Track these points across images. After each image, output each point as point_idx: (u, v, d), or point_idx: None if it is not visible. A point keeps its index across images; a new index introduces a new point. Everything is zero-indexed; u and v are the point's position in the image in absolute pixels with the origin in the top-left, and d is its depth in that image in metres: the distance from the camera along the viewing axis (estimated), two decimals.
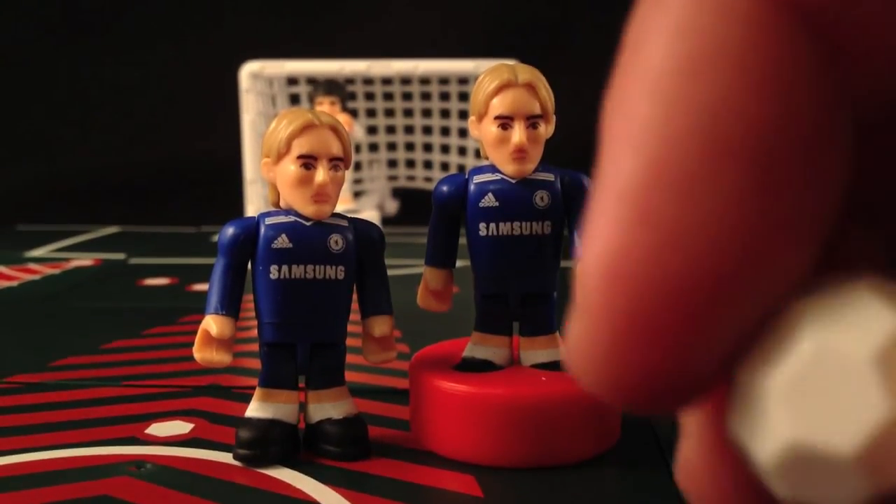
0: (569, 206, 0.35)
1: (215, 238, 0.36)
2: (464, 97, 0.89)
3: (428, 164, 0.97)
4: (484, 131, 0.34)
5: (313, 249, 0.33)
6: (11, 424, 0.38)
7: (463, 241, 0.36)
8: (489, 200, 0.35)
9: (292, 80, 0.89)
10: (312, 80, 0.87)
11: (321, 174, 0.32)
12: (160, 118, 1.11)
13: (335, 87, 0.83)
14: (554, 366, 0.35)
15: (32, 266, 0.78)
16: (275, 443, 0.33)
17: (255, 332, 0.34)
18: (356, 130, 0.89)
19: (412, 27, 1.04)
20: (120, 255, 0.84)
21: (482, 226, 0.35)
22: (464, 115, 0.89)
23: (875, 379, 0.09)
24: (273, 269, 0.33)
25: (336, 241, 0.33)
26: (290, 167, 0.32)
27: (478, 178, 0.35)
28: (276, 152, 0.33)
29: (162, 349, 0.50)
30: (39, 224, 1.04)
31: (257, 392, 0.34)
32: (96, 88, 1.12)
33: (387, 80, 0.93)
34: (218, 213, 0.67)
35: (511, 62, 0.36)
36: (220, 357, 0.32)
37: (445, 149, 0.95)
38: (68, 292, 0.67)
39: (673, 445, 0.35)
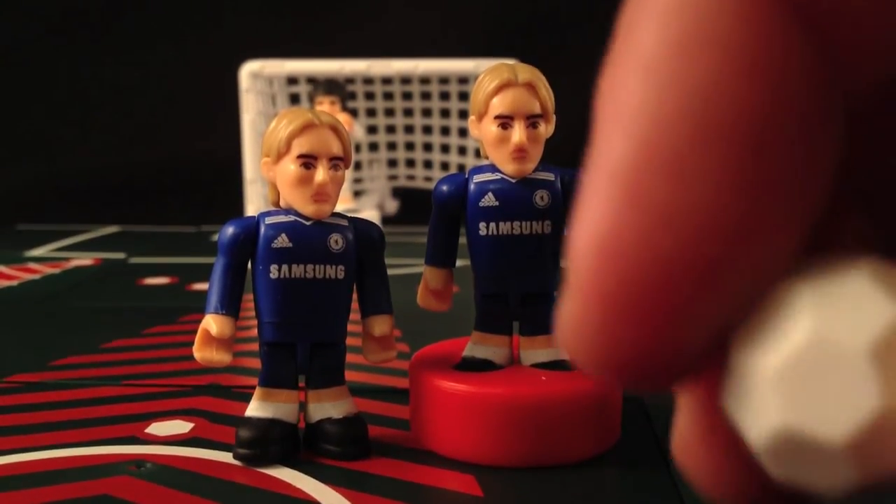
0: (569, 206, 0.35)
1: (215, 237, 0.36)
2: (464, 97, 0.89)
3: (428, 164, 0.97)
4: (484, 131, 0.34)
5: (313, 249, 0.33)
6: (11, 424, 0.38)
7: (463, 240, 0.36)
8: (489, 200, 0.35)
9: (292, 80, 0.89)
10: (312, 80, 0.87)
11: (321, 174, 0.32)
12: (160, 118, 1.11)
13: (335, 87, 0.83)
14: (554, 365, 0.35)
15: (32, 265, 0.78)
16: (275, 442, 0.33)
17: (255, 332, 0.34)
18: (356, 130, 0.89)
19: (412, 27, 1.04)
20: (120, 255, 0.84)
21: (482, 225, 0.35)
22: (464, 114, 0.89)
23: (869, 370, 0.09)
24: (273, 268, 0.33)
25: (336, 241, 0.33)
26: (290, 166, 0.32)
27: (478, 178, 0.35)
28: (276, 152, 0.33)
29: (162, 348, 0.50)
30: (39, 224, 1.04)
31: (257, 391, 0.34)
32: (96, 88, 1.12)
33: (387, 80, 0.93)
34: (218, 213, 0.67)
35: (511, 62, 0.36)
36: (220, 356, 0.32)
37: (445, 148, 0.95)
38: (68, 292, 0.67)
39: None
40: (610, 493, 0.32)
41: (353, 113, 0.92)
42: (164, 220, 1.04)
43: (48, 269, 0.76)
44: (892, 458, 0.09)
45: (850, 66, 0.10)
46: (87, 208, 1.06)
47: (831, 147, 0.10)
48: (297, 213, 0.33)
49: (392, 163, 0.99)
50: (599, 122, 0.10)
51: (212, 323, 0.32)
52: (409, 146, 0.97)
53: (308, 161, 0.32)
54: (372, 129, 0.97)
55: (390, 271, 0.35)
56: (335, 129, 0.33)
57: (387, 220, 0.89)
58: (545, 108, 0.34)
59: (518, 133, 0.34)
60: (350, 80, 0.89)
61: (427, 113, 0.94)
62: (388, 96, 0.95)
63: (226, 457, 0.34)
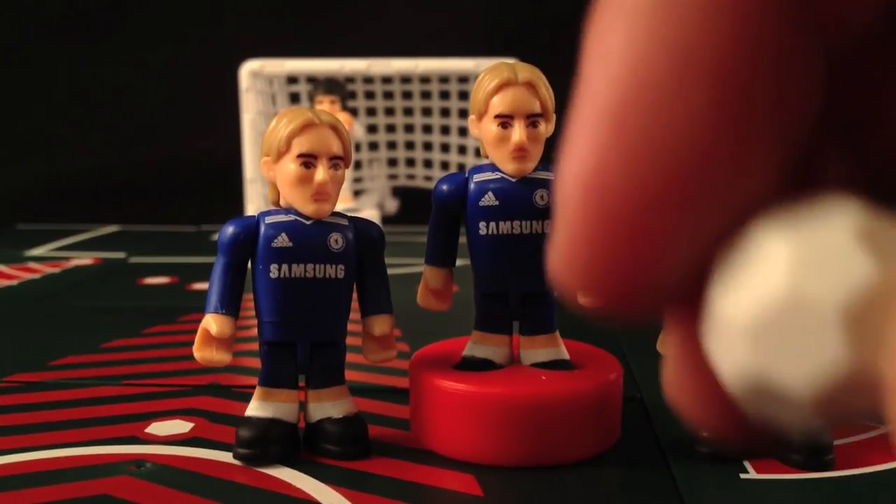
0: None
1: (215, 237, 0.36)
2: (464, 96, 0.89)
3: (428, 163, 0.97)
4: (484, 130, 0.34)
5: (313, 248, 0.33)
6: (11, 423, 0.38)
7: (463, 239, 0.36)
8: (489, 199, 0.35)
9: (292, 79, 0.89)
10: (312, 79, 0.87)
11: (321, 173, 0.32)
12: (160, 118, 1.11)
13: (335, 86, 0.83)
14: (554, 365, 0.35)
15: (32, 265, 0.78)
16: (275, 442, 0.33)
17: (255, 331, 0.34)
18: (356, 129, 0.89)
19: (412, 27, 1.04)
20: (120, 254, 0.84)
21: (482, 225, 0.35)
22: (464, 113, 0.89)
23: (840, 330, 0.09)
24: (273, 267, 0.33)
25: (336, 240, 0.33)
26: (290, 166, 0.32)
27: (478, 177, 0.35)
28: (276, 151, 0.33)
29: (162, 348, 0.50)
30: (39, 223, 1.04)
31: (257, 391, 0.34)
32: (96, 88, 1.12)
33: (387, 79, 0.93)
34: (218, 213, 0.66)
35: (511, 61, 0.36)
36: (220, 356, 0.32)
37: (445, 147, 0.95)
38: (68, 291, 0.67)
39: (673, 445, 0.35)
40: (610, 493, 0.32)
41: (353, 112, 0.92)
42: (164, 220, 1.04)
43: (48, 269, 0.76)
44: (857, 409, 0.09)
45: (829, 9, 0.10)
46: (87, 208, 1.06)
47: (812, 87, 0.10)
48: (297, 213, 0.33)
49: (392, 162, 0.99)
50: (585, 63, 0.10)
51: (212, 322, 0.32)
52: (409, 145, 0.97)
53: (308, 160, 0.32)
54: (372, 129, 0.97)
55: (390, 271, 0.35)
56: (335, 129, 0.33)
57: (387, 219, 0.89)
58: (545, 108, 0.34)
59: (518, 132, 0.34)
60: (350, 79, 0.89)
61: (427, 112, 0.94)
62: (388, 95, 0.95)
63: (226, 457, 0.34)
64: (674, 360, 0.12)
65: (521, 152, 0.34)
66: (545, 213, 0.35)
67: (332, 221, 0.33)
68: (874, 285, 0.09)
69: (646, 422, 0.38)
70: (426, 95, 0.93)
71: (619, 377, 0.35)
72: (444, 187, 0.36)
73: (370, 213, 0.81)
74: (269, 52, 0.83)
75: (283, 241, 0.33)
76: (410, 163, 0.98)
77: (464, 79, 0.88)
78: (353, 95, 0.93)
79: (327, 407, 0.34)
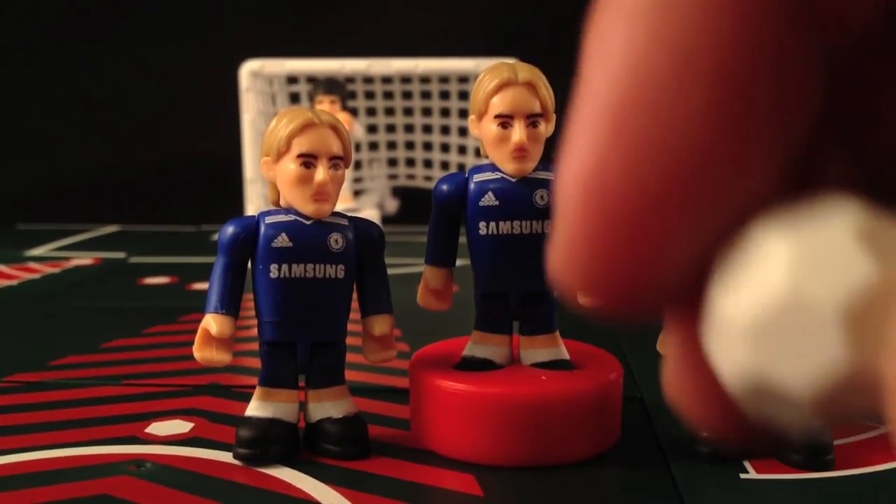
0: None
1: (215, 237, 0.36)
2: (464, 96, 0.89)
3: (428, 163, 0.97)
4: (484, 130, 0.34)
5: (313, 248, 0.33)
6: (11, 423, 0.38)
7: (463, 239, 0.36)
8: (489, 199, 0.35)
9: (292, 79, 0.89)
10: (312, 79, 0.87)
11: (321, 173, 0.32)
12: (160, 118, 1.11)
13: (335, 86, 0.83)
14: (554, 365, 0.35)
15: (32, 265, 0.78)
16: (275, 442, 0.33)
17: (255, 332, 0.34)
18: (356, 129, 0.89)
19: (412, 27, 1.04)
20: (120, 254, 0.84)
21: (482, 224, 0.35)
22: (464, 113, 0.89)
23: (840, 331, 0.09)
24: (273, 267, 0.33)
25: (336, 240, 0.33)
26: (290, 166, 0.32)
27: (478, 177, 0.35)
28: (276, 151, 0.33)
29: (162, 348, 0.50)
30: (39, 223, 1.04)
31: (257, 391, 0.34)
32: (96, 88, 1.12)
33: (387, 79, 0.93)
34: (218, 213, 0.66)
35: (511, 61, 0.36)
36: (220, 356, 0.32)
37: (445, 147, 0.95)
38: (68, 291, 0.67)
39: (673, 445, 0.35)
40: (610, 493, 0.32)
41: (353, 112, 0.92)
42: (164, 220, 1.04)
43: (48, 269, 0.76)
44: (857, 409, 0.09)
45: (829, 9, 0.10)
46: (87, 208, 1.06)
47: (812, 87, 0.10)
48: (297, 213, 0.33)
49: (392, 162, 0.99)
50: (585, 63, 0.10)
51: (212, 322, 0.32)
52: (409, 145, 0.97)
53: (308, 160, 0.32)
54: (372, 129, 0.97)
55: (390, 271, 0.35)
56: (335, 129, 0.33)
57: (387, 219, 0.89)
58: (545, 108, 0.34)
59: (518, 132, 0.34)
60: (350, 79, 0.89)
61: (427, 112, 0.94)
62: (388, 95, 0.95)
63: (226, 457, 0.34)
64: (674, 360, 0.12)
65: (521, 152, 0.34)
66: (545, 213, 0.35)
67: (332, 221, 0.33)
68: (874, 285, 0.09)
69: (646, 422, 0.38)
70: (426, 95, 0.93)
71: (619, 377, 0.35)
72: (444, 187, 0.36)
73: (370, 213, 0.81)
74: (269, 52, 0.83)
75: (283, 241, 0.33)
76: (410, 163, 0.98)
77: (464, 79, 0.88)
78: (353, 95, 0.93)
79: (327, 407, 0.34)
